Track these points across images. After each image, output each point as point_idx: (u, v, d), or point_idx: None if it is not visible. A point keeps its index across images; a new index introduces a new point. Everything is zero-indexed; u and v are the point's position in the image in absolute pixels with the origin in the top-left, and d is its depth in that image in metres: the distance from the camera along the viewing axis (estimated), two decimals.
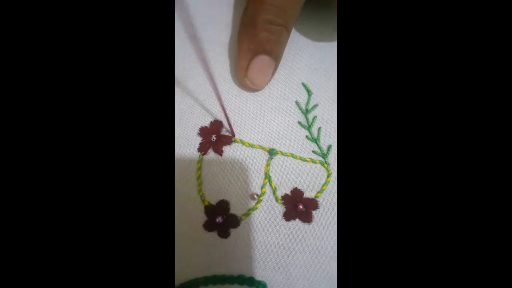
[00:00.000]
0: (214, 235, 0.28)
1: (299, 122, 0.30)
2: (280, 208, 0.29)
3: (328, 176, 0.29)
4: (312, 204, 0.29)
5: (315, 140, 0.30)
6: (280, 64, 0.30)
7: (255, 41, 0.27)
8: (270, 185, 0.29)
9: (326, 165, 0.30)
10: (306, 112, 0.30)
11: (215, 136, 0.29)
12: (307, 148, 0.30)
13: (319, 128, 0.30)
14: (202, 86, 0.30)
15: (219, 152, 0.29)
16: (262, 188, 0.29)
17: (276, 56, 0.28)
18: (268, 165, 0.29)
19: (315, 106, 0.30)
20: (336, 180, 0.29)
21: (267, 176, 0.29)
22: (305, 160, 0.30)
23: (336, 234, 0.29)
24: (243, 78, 0.29)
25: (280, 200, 0.29)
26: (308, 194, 0.29)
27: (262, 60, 0.28)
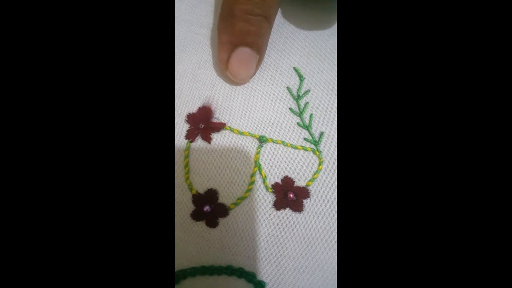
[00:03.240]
0: (202, 224, 0.28)
1: (290, 109, 0.29)
2: (270, 197, 0.28)
3: (320, 164, 0.28)
4: (303, 193, 0.28)
5: (307, 127, 0.29)
6: (270, 47, 0.29)
7: (234, 32, 0.26)
8: (260, 173, 0.28)
9: (317, 153, 0.29)
10: (297, 98, 0.29)
11: (203, 123, 0.28)
12: (299, 136, 0.29)
13: (311, 115, 0.29)
14: (189, 70, 0.29)
15: (207, 139, 0.28)
16: (251, 176, 0.28)
17: (258, 48, 0.27)
18: (258, 153, 0.28)
19: (307, 91, 0.29)
20: (327, 168, 0.29)
21: (257, 164, 0.28)
22: (296, 148, 0.29)
23: (327, 223, 0.28)
24: (224, 71, 0.27)
25: (270, 188, 0.28)
26: (299, 182, 0.28)
27: (243, 52, 0.26)
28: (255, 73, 0.28)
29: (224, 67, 0.27)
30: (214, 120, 0.29)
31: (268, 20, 0.27)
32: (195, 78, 0.29)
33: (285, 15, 0.30)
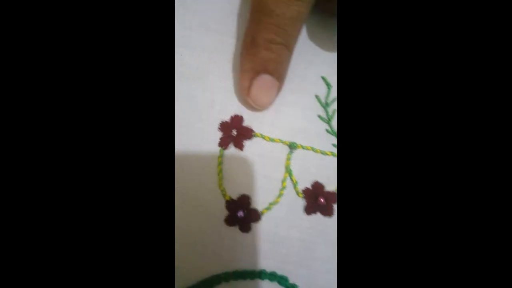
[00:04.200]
0: (235, 229, 0.28)
1: (319, 116, 0.30)
2: (301, 202, 0.29)
3: None
4: (333, 197, 0.29)
5: (336, 134, 0.30)
6: (299, 57, 0.30)
7: (256, 60, 0.27)
8: (291, 179, 0.29)
9: None
10: (326, 105, 0.30)
11: (235, 131, 0.29)
12: (328, 142, 0.30)
13: None
14: (222, 81, 0.30)
15: (240, 146, 0.29)
16: (283, 182, 0.29)
17: (279, 76, 0.28)
18: (288, 159, 0.29)
19: (335, 99, 0.30)
20: None
21: (288, 170, 0.29)
22: (325, 154, 0.30)
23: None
24: (246, 97, 0.29)
25: (301, 193, 0.29)
26: (329, 187, 0.29)
27: (264, 79, 0.28)
28: (275, 100, 0.29)
29: (245, 93, 0.28)
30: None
31: (289, 49, 0.28)
32: (227, 88, 0.30)
33: (310, 37, 0.31)
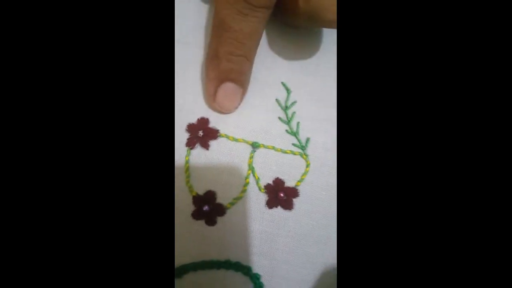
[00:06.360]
0: (201, 223, 0.30)
1: (279, 118, 0.33)
2: (263, 197, 0.31)
3: (307, 166, 0.32)
4: (293, 192, 0.31)
5: (295, 134, 0.32)
6: (260, 65, 0.33)
7: (219, 70, 0.30)
8: (254, 175, 0.31)
9: (305, 156, 0.32)
10: (285, 108, 0.33)
11: (202, 132, 0.32)
12: (287, 141, 0.32)
13: (298, 123, 0.32)
14: (190, 87, 0.33)
15: (206, 146, 0.32)
16: (246, 178, 0.31)
17: (241, 83, 0.31)
18: (251, 157, 0.32)
19: (294, 102, 0.33)
20: (314, 170, 0.32)
21: (251, 168, 0.31)
22: (285, 152, 0.32)
23: (315, 220, 0.31)
24: (212, 103, 0.32)
25: (263, 189, 0.31)
26: (289, 183, 0.32)
27: (228, 87, 0.31)
28: (239, 104, 0.32)
29: (212, 99, 0.31)
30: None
31: (249, 59, 0.31)
32: (195, 93, 0.33)
33: (269, 45, 0.34)
